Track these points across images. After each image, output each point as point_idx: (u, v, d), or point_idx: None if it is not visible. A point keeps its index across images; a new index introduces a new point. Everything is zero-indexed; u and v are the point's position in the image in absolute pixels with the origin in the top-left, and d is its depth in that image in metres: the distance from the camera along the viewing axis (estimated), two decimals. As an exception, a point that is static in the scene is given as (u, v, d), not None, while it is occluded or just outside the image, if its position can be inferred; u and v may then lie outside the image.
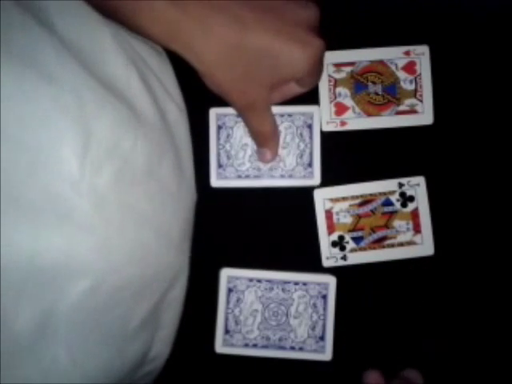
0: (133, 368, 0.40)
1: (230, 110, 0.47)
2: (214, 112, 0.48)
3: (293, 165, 0.48)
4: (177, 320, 0.45)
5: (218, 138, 0.48)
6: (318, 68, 0.43)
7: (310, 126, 0.48)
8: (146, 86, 0.40)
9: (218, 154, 0.48)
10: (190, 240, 0.46)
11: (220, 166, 0.48)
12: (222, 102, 0.43)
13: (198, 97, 0.45)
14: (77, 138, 0.32)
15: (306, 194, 0.48)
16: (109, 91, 0.36)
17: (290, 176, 0.48)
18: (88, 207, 0.33)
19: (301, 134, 0.48)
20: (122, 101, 0.37)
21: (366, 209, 0.48)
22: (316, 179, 0.48)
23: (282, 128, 0.48)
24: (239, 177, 0.48)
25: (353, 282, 0.48)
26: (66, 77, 0.33)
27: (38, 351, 0.31)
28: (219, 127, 0.48)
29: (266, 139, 0.47)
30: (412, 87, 0.48)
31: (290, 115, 0.48)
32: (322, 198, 0.48)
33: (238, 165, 0.48)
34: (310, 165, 0.48)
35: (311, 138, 0.48)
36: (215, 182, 0.48)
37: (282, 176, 0.48)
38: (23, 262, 0.30)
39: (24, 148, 0.30)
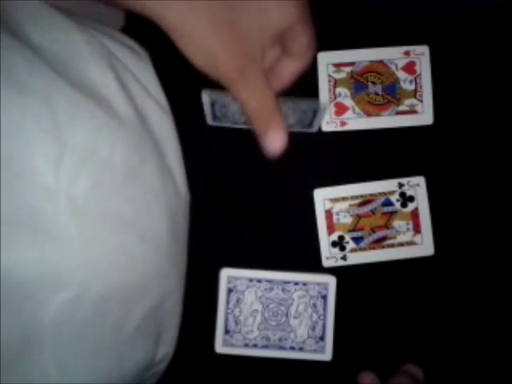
0: (139, 373, 0.40)
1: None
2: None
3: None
4: (179, 320, 0.45)
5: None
6: (307, 16, 0.37)
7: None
8: (124, 88, 0.40)
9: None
10: (185, 240, 0.46)
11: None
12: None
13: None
14: (50, 147, 0.32)
15: (306, 194, 0.48)
16: (85, 96, 0.35)
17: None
18: (65, 217, 0.33)
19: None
20: (101, 104, 0.37)
21: (366, 209, 0.48)
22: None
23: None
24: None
25: (353, 282, 0.48)
26: (38, 86, 0.33)
27: (24, 365, 0.31)
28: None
29: (266, 117, 0.37)
30: (412, 87, 0.48)
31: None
32: (322, 198, 0.48)
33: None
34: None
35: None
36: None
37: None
38: None
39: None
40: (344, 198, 0.48)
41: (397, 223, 0.48)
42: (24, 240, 0.31)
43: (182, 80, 0.47)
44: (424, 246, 0.48)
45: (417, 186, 0.48)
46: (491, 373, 0.49)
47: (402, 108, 0.48)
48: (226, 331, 0.47)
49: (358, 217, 0.48)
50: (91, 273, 0.34)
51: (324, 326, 0.47)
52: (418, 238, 0.48)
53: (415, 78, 0.48)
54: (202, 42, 0.34)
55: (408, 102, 0.48)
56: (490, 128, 0.49)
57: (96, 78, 0.38)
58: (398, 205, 0.48)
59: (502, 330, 0.49)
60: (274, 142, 0.37)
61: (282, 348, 0.48)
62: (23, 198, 0.31)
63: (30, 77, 0.32)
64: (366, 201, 0.48)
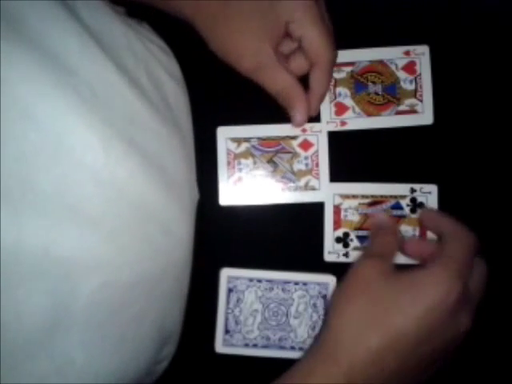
0: (146, 371, 0.40)
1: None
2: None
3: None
4: (183, 319, 0.45)
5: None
6: (315, 12, 0.41)
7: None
8: (156, 85, 0.41)
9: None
10: (193, 238, 0.46)
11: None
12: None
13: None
14: (101, 126, 0.33)
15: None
16: (127, 84, 0.36)
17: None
18: (101, 199, 0.33)
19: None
20: (136, 94, 0.37)
21: (375, 209, 0.48)
22: None
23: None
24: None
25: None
26: (89, 68, 0.33)
27: (52, 347, 0.31)
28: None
29: (287, 98, 0.44)
30: (412, 87, 0.48)
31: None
32: (333, 193, 0.48)
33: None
34: None
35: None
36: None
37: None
38: (38, 254, 0.29)
39: (51, 132, 0.30)
40: (354, 196, 0.48)
41: (403, 228, 0.48)
42: (63, 218, 0.31)
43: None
44: None
45: (428, 193, 0.48)
46: (491, 374, 0.48)
47: (402, 108, 0.48)
48: (226, 331, 0.47)
49: (366, 216, 0.48)
50: (121, 260, 0.34)
51: (324, 326, 0.47)
52: None
53: (415, 78, 0.48)
54: (221, 36, 0.42)
55: (408, 101, 0.48)
56: (491, 128, 0.49)
57: (131, 68, 0.38)
58: (407, 210, 0.48)
59: (501, 334, 0.49)
60: (295, 119, 0.45)
61: (282, 348, 0.47)
62: (69, 173, 0.31)
63: (81, 56, 0.33)
64: (376, 201, 0.48)
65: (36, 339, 0.30)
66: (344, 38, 0.48)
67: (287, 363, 0.47)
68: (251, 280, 0.47)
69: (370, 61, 0.48)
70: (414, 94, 0.48)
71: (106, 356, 0.34)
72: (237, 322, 0.47)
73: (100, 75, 0.34)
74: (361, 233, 0.48)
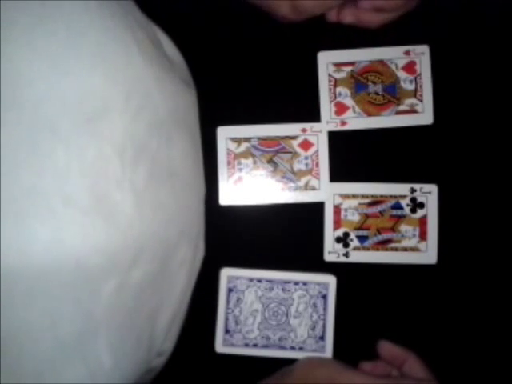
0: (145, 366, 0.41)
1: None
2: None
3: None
4: (184, 316, 0.45)
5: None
6: None
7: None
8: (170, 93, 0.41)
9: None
10: (204, 236, 0.46)
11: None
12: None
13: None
14: (118, 136, 0.33)
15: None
16: (154, 92, 0.36)
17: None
18: (129, 205, 0.34)
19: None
20: (154, 102, 0.38)
21: (375, 209, 0.48)
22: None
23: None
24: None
25: (353, 282, 0.48)
26: (130, 72, 0.34)
27: (85, 352, 0.32)
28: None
29: None
30: (412, 87, 0.48)
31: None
32: (333, 193, 0.48)
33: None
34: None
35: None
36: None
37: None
38: (72, 263, 0.30)
39: (75, 146, 0.31)
40: (354, 196, 0.48)
41: (403, 227, 0.48)
42: (97, 227, 0.31)
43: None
44: (427, 254, 0.48)
45: (428, 193, 0.48)
46: (490, 381, 0.49)
47: (402, 108, 0.48)
48: (226, 331, 0.47)
49: (366, 216, 0.48)
50: (133, 260, 0.34)
51: (324, 326, 0.47)
52: (422, 245, 0.48)
53: (415, 78, 0.48)
54: None
55: (408, 101, 0.48)
56: (490, 128, 0.49)
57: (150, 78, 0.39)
58: (407, 209, 0.48)
59: (501, 335, 0.49)
60: None
61: (282, 348, 0.47)
62: (97, 185, 0.32)
63: (124, 59, 0.33)
64: (376, 201, 0.48)
65: (71, 345, 0.31)
66: (344, 37, 0.48)
67: (287, 363, 0.47)
68: (251, 280, 0.47)
69: (370, 60, 0.48)
70: (414, 93, 0.48)
71: (128, 356, 0.35)
72: (237, 322, 0.47)
73: (142, 81, 0.35)
74: (361, 232, 0.48)
